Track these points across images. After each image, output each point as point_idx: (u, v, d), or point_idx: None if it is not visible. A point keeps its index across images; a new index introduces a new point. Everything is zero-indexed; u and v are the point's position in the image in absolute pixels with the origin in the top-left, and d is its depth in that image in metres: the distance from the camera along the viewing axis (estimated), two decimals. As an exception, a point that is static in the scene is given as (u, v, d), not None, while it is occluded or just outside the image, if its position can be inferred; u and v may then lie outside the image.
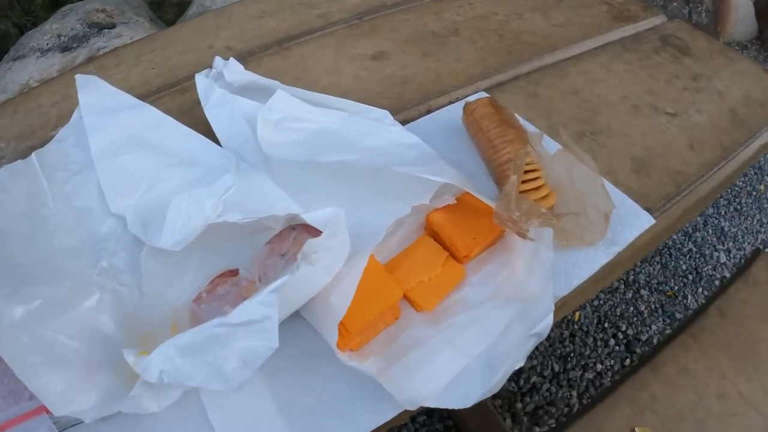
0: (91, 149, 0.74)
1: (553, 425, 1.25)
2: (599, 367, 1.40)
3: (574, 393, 1.34)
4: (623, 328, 1.52)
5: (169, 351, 0.50)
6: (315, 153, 0.71)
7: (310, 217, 0.60)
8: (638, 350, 1.45)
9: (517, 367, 0.59)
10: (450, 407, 0.57)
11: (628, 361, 1.43)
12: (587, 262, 0.70)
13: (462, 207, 0.67)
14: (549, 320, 0.60)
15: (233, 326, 0.50)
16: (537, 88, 0.94)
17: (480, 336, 0.60)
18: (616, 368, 1.41)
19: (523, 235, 0.63)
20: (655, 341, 1.47)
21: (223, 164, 0.75)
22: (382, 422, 0.58)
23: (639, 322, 1.54)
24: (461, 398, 0.57)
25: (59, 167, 0.74)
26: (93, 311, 0.61)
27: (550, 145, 0.79)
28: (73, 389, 0.54)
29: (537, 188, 0.71)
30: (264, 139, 0.73)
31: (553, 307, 0.61)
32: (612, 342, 1.47)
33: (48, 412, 0.55)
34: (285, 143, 0.73)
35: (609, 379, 1.37)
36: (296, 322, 0.62)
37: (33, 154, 0.73)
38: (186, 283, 0.66)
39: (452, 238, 0.65)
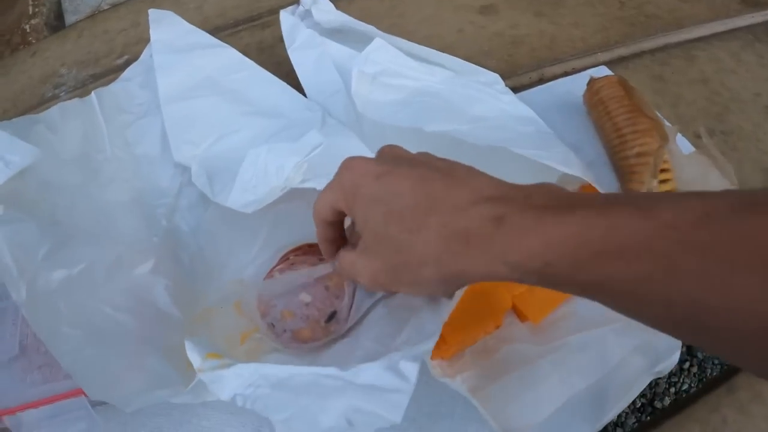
0: (159, 90, 0.65)
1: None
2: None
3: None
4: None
5: (254, 377, 0.40)
6: (418, 118, 0.60)
7: None
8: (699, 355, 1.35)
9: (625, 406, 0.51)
10: (551, 444, 0.49)
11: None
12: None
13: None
14: (675, 358, 0.53)
15: (351, 384, 0.39)
16: (663, 70, 0.81)
17: (593, 364, 0.51)
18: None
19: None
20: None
21: (307, 118, 0.65)
22: (468, 448, 0.50)
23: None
24: (565, 434, 0.49)
25: (122, 109, 0.65)
26: (146, 279, 0.52)
27: (680, 142, 0.68)
28: (115, 371, 0.46)
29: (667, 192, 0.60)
30: (359, 94, 0.62)
31: (680, 344, 0.52)
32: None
33: (86, 394, 0.48)
34: (382, 102, 0.63)
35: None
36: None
37: (93, 92, 0.64)
38: (254, 254, 0.58)
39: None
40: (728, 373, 0.87)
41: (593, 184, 0.56)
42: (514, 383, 0.50)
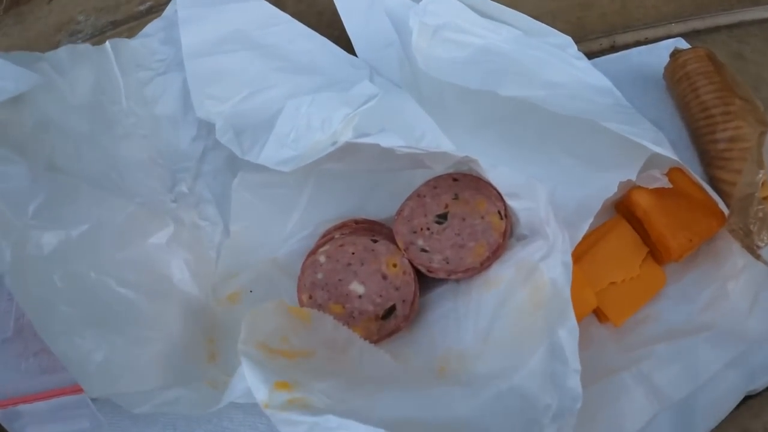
0: (182, 44, 0.56)
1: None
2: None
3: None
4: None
5: None
6: (488, 80, 0.52)
7: (496, 175, 0.42)
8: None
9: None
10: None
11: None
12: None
13: (675, 193, 0.49)
14: None
15: None
16: (741, 48, 0.73)
17: (682, 378, 0.45)
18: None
19: (755, 253, 0.46)
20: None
21: (351, 76, 0.57)
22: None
23: None
24: (649, 456, 0.43)
25: (141, 65, 0.57)
26: (163, 250, 0.45)
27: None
28: (121, 362, 0.38)
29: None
30: (420, 49, 0.54)
31: None
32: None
33: None
34: (446, 59, 0.55)
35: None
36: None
37: (108, 42, 0.55)
38: (289, 229, 0.50)
39: (663, 232, 0.48)
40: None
41: (684, 168, 0.49)
42: (594, 396, 0.43)
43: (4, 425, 0.42)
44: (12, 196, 0.37)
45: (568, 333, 0.35)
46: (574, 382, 0.33)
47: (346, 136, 0.46)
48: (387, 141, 0.41)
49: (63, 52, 0.51)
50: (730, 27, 0.77)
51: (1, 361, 0.43)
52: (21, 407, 0.42)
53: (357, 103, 0.49)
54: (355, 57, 0.60)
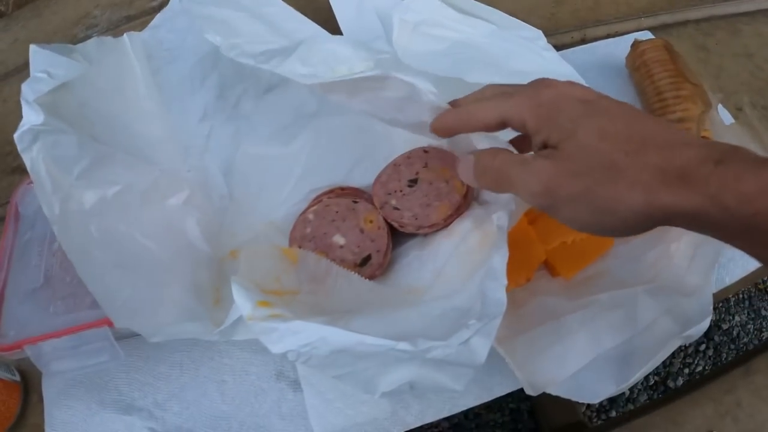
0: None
1: (632, 409, 1.17)
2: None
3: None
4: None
5: (313, 337, 0.38)
6: (458, 69, 0.58)
7: (477, 139, 0.47)
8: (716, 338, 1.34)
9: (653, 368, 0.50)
10: (576, 399, 0.48)
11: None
12: (744, 258, 0.59)
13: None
14: (705, 325, 0.51)
15: (420, 357, 0.38)
16: (707, 40, 0.79)
17: (622, 324, 0.50)
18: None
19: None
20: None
21: None
22: (489, 398, 0.50)
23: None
24: (589, 392, 0.49)
25: (152, 55, 0.62)
26: (179, 210, 0.52)
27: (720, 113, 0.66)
28: (142, 299, 0.45)
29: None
30: (399, 43, 0.61)
31: (711, 311, 0.51)
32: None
33: (110, 325, 0.47)
34: (423, 52, 0.61)
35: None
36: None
37: (125, 35, 0.61)
38: (285, 196, 0.57)
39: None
40: (746, 355, 0.87)
41: None
42: (541, 336, 0.49)
43: (33, 360, 0.48)
44: (62, 160, 0.44)
45: (500, 258, 0.41)
46: (501, 294, 0.39)
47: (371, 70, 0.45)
48: (410, 79, 0.44)
49: (92, 44, 0.57)
50: (698, 21, 0.82)
51: (32, 306, 0.50)
52: (47, 342, 0.48)
53: (374, 52, 0.48)
54: None
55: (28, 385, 0.54)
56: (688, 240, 0.54)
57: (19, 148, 0.41)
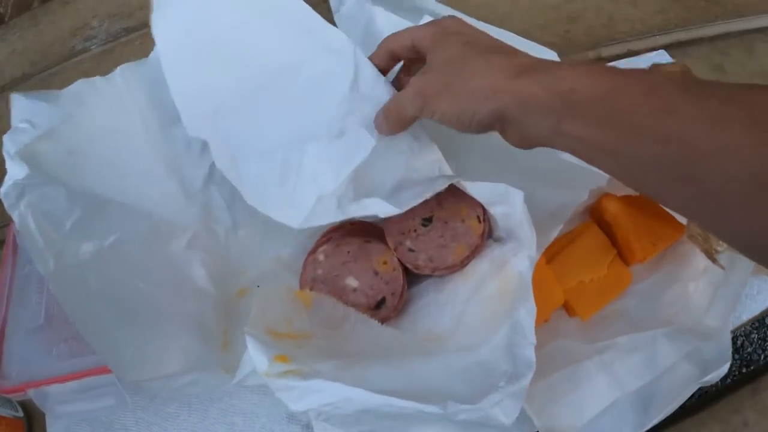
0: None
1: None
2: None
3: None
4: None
5: (336, 397, 0.37)
6: None
7: (474, 188, 0.47)
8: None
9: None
10: (592, 447, 0.47)
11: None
12: (762, 294, 0.58)
13: (643, 199, 0.54)
14: (724, 370, 0.51)
15: (445, 417, 0.37)
16: (723, 60, 0.78)
17: (642, 368, 0.49)
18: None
19: (712, 258, 0.51)
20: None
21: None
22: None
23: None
24: (606, 437, 0.47)
25: (157, 80, 0.54)
26: (182, 253, 0.50)
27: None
28: (148, 352, 0.43)
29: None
30: None
31: (730, 356, 0.51)
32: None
33: None
34: None
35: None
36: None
37: (118, 69, 0.56)
38: (294, 231, 0.54)
39: (629, 236, 0.53)
40: (754, 373, 0.86)
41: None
42: (559, 382, 0.48)
43: (37, 403, 0.48)
44: (53, 213, 0.42)
45: (527, 313, 0.40)
46: (530, 353, 0.38)
47: (348, 197, 0.46)
48: (383, 210, 0.45)
49: (79, 86, 0.53)
50: (712, 39, 0.81)
51: (34, 345, 0.49)
52: (51, 387, 0.46)
53: (353, 159, 0.47)
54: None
55: (32, 422, 0.52)
56: (708, 279, 0.53)
57: (5, 204, 0.40)
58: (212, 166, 0.56)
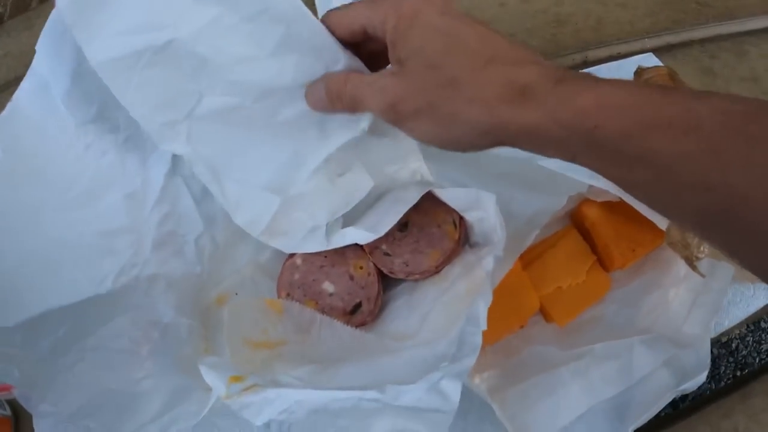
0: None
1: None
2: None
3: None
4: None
5: (287, 402, 0.37)
6: None
7: (448, 195, 0.47)
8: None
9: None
10: (566, 454, 0.47)
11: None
12: (744, 301, 0.58)
13: (623, 205, 0.54)
14: (701, 378, 0.51)
15: (392, 405, 0.37)
16: (712, 63, 0.77)
17: (618, 376, 0.49)
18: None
19: (692, 265, 0.50)
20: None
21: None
22: (479, 449, 0.49)
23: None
24: (580, 446, 0.47)
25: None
26: (146, 301, 0.48)
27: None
28: (128, 405, 0.44)
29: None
30: None
31: (708, 364, 0.51)
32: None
33: None
34: None
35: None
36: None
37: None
38: None
39: (607, 242, 0.52)
40: (744, 378, 0.85)
41: (622, 197, 0.51)
42: (533, 388, 0.48)
43: (21, 402, 0.45)
44: None
45: (483, 303, 0.39)
46: (477, 338, 0.38)
47: (337, 226, 0.47)
48: (364, 238, 0.46)
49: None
50: (702, 41, 0.80)
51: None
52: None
53: (352, 199, 0.48)
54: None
55: (19, 420, 0.52)
56: (689, 286, 0.53)
57: None
58: (173, 161, 0.49)
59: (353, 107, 0.38)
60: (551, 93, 0.30)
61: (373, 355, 0.44)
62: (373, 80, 0.36)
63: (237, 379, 0.38)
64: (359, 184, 0.46)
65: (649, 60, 0.72)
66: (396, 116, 0.35)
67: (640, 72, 0.66)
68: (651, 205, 0.31)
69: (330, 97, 0.39)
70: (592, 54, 0.75)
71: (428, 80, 0.33)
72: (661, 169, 0.27)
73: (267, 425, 0.38)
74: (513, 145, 0.32)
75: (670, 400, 0.50)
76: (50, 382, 0.42)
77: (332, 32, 0.38)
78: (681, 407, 0.87)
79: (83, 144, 0.46)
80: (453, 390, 0.37)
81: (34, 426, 0.50)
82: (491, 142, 0.33)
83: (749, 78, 0.77)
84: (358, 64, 0.39)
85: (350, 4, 0.37)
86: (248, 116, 0.41)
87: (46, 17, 0.77)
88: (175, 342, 0.47)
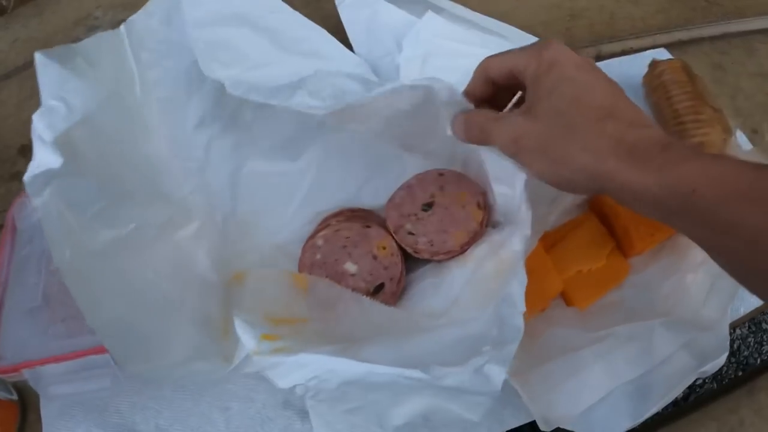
0: (186, 19, 0.55)
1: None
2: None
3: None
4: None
5: (321, 369, 0.37)
6: None
7: (489, 155, 0.47)
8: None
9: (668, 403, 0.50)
10: (589, 436, 0.47)
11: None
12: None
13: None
14: (721, 360, 0.51)
15: (431, 386, 0.37)
16: (722, 59, 0.78)
17: (638, 357, 0.49)
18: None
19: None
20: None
21: (353, 66, 0.61)
22: (501, 430, 0.49)
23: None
24: (604, 427, 0.48)
25: (144, 46, 0.56)
26: (190, 242, 0.49)
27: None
28: (152, 342, 0.43)
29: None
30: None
31: (728, 346, 0.51)
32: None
33: None
34: None
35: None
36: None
37: (122, 25, 0.55)
38: (290, 215, 0.55)
39: (627, 226, 0.53)
40: (750, 374, 0.86)
41: None
42: (556, 370, 0.48)
43: (31, 384, 0.47)
44: (77, 203, 0.40)
45: (519, 284, 0.39)
46: (518, 320, 0.38)
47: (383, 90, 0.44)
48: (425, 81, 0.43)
49: (90, 42, 0.52)
50: (713, 39, 0.81)
51: (31, 325, 0.48)
52: (46, 368, 0.46)
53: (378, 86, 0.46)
54: (354, 54, 0.64)
55: (26, 404, 0.52)
56: (706, 271, 0.53)
57: (28, 190, 0.38)
58: (206, 148, 0.55)
59: (481, 138, 0.42)
60: (657, 157, 0.33)
61: (400, 334, 0.44)
62: (504, 117, 0.40)
63: (270, 337, 0.39)
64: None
65: (662, 55, 0.73)
66: (516, 149, 0.39)
67: (654, 65, 0.67)
68: (735, 273, 0.33)
69: (465, 127, 0.43)
70: (606, 48, 0.75)
71: (552, 123, 0.37)
72: (750, 239, 0.30)
73: (291, 389, 0.37)
74: (614, 196, 0.35)
75: (691, 382, 0.50)
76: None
77: (488, 72, 0.42)
78: (686, 404, 0.87)
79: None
80: (497, 374, 0.37)
81: (41, 409, 0.50)
82: (596, 188, 0.36)
83: (758, 74, 0.78)
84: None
85: (507, 50, 0.42)
86: None
87: (55, 6, 0.78)
88: (205, 300, 0.47)
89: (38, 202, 0.38)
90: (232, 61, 0.54)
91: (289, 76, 0.50)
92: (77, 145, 0.42)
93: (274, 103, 0.45)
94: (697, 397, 0.78)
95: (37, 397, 0.51)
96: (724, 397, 0.85)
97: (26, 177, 0.38)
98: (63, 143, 0.39)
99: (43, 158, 0.38)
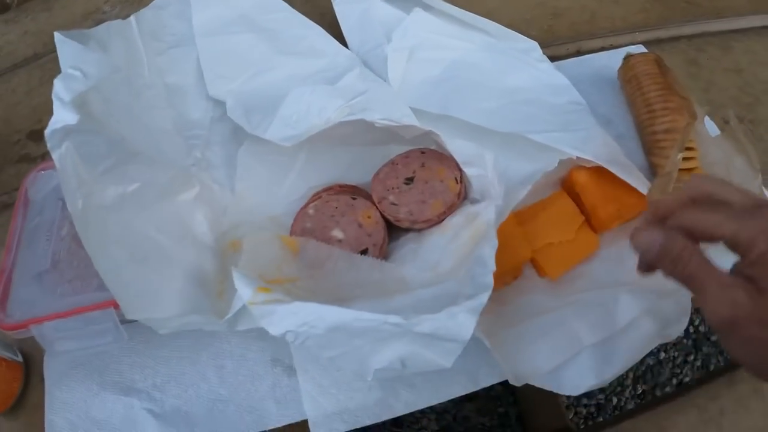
0: (194, 24, 0.65)
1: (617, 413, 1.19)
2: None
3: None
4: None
5: (310, 316, 0.41)
6: (449, 100, 0.62)
7: (455, 146, 0.51)
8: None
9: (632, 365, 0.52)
10: (557, 391, 0.50)
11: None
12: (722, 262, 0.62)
13: (609, 171, 0.58)
14: (683, 324, 0.53)
15: (411, 331, 0.40)
16: (698, 56, 0.82)
17: (604, 320, 0.53)
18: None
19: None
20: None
21: (344, 63, 0.66)
22: (475, 388, 0.52)
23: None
24: (571, 385, 0.51)
25: (155, 36, 0.65)
26: (190, 205, 0.53)
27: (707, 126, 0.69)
28: (152, 292, 0.47)
29: (689, 170, 0.61)
30: (394, 78, 0.64)
31: (689, 310, 0.53)
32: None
33: (116, 307, 0.49)
34: (419, 82, 0.65)
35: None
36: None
37: (132, 16, 0.63)
38: (285, 191, 0.59)
39: (595, 204, 0.56)
40: (732, 365, 0.89)
41: (615, 172, 0.56)
42: (526, 331, 0.51)
43: (37, 339, 0.51)
44: (90, 158, 0.46)
45: (490, 248, 0.43)
46: (489, 279, 0.42)
47: (340, 118, 0.55)
48: (369, 116, 0.52)
49: (103, 28, 0.59)
50: (690, 37, 0.85)
51: (39, 288, 0.52)
52: (52, 323, 0.50)
53: (349, 96, 0.57)
54: (347, 49, 0.70)
55: (29, 366, 0.55)
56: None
57: (48, 144, 0.43)
58: (209, 129, 0.62)
59: (684, 283, 0.36)
60: None
61: (386, 293, 0.48)
62: (725, 284, 0.34)
63: (264, 289, 0.42)
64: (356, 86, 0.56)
65: (639, 50, 0.77)
66: (729, 331, 0.34)
67: (628, 58, 0.70)
68: None
69: (662, 253, 0.37)
70: (585, 45, 0.79)
71: None
72: None
73: (282, 336, 0.41)
74: None
75: (654, 346, 0.53)
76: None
77: (692, 230, 0.36)
78: (669, 391, 0.91)
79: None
80: (469, 323, 0.40)
81: (45, 370, 0.54)
82: None
83: (733, 70, 0.81)
84: None
85: (716, 208, 0.36)
86: None
87: (64, 1, 0.82)
88: (201, 259, 0.51)
89: (56, 155, 0.43)
90: (234, 73, 0.63)
91: (287, 80, 0.61)
92: (91, 107, 0.47)
93: (256, 134, 0.57)
94: (679, 386, 0.81)
95: (40, 359, 0.55)
96: (706, 386, 0.88)
97: (47, 131, 0.43)
98: (79, 104, 0.45)
99: (62, 115, 0.43)
